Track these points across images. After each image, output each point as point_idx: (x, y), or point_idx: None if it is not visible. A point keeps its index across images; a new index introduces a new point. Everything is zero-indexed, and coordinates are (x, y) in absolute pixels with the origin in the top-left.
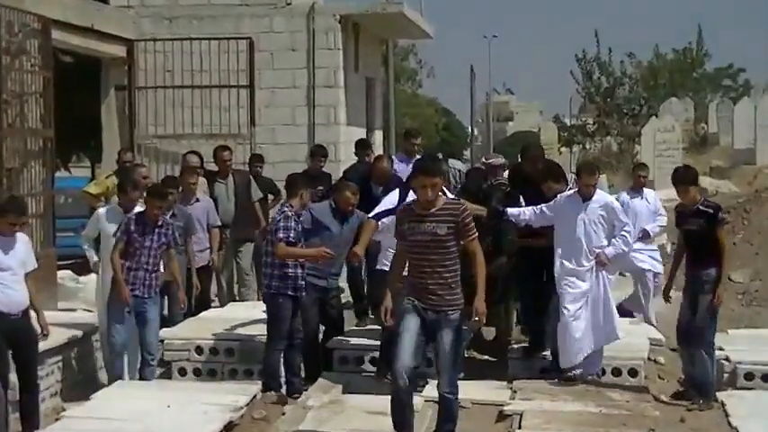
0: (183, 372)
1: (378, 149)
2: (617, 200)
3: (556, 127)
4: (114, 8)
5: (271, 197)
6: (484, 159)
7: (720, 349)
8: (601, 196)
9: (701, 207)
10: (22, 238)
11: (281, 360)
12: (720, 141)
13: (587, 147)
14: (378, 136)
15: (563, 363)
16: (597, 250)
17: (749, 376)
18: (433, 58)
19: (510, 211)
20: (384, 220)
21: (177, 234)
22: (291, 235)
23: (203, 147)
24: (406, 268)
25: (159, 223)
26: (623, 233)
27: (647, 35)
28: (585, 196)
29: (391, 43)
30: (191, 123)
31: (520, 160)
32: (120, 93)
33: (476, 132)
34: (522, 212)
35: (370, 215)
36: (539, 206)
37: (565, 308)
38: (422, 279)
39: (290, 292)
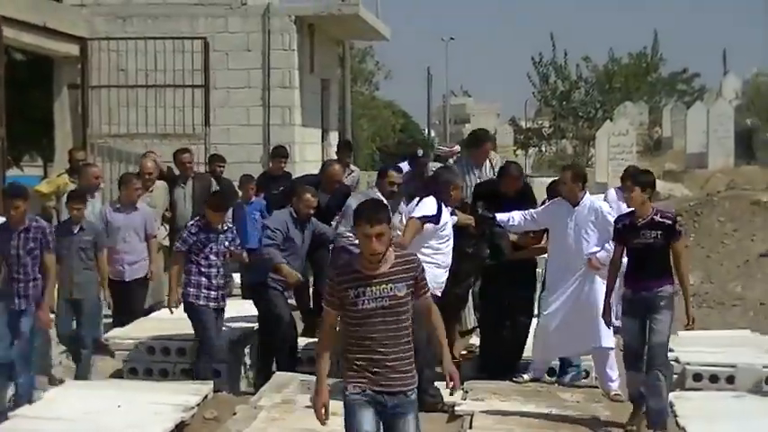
0: (134, 371)
1: (332, 151)
2: (604, 198)
3: (512, 130)
4: (68, 6)
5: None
6: (441, 147)
7: (671, 350)
8: (589, 201)
9: (656, 218)
10: None
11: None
12: (674, 145)
13: (543, 150)
14: (333, 137)
15: (534, 363)
16: (588, 256)
17: (697, 377)
18: (390, 60)
19: (499, 216)
20: (428, 226)
21: (51, 238)
22: (178, 244)
23: (157, 147)
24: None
25: (24, 227)
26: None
27: (603, 39)
28: (573, 201)
29: (348, 45)
30: (144, 123)
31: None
32: (73, 91)
33: (433, 134)
34: (512, 218)
35: (415, 215)
36: (528, 211)
37: (546, 310)
38: (374, 356)
39: (201, 302)
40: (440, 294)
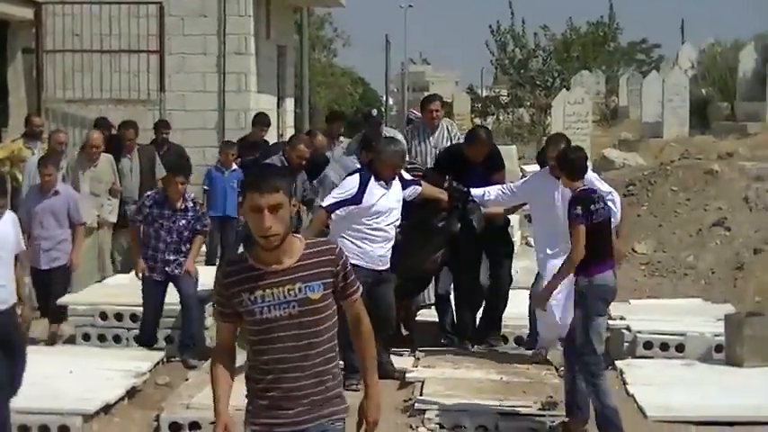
0: (87, 337)
1: (289, 118)
2: None
3: (469, 98)
4: None
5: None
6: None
7: (622, 319)
8: None
9: None
10: (9, 218)
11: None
12: (630, 114)
13: (500, 118)
14: (289, 104)
15: (541, 343)
16: None
17: (648, 345)
18: (349, 28)
19: (474, 191)
20: (339, 212)
21: None
22: (134, 215)
23: (112, 112)
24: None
25: None
26: (609, 199)
27: (562, 8)
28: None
29: (306, 11)
30: (99, 88)
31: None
32: (27, 56)
33: (391, 102)
34: (487, 192)
35: (322, 204)
36: (506, 186)
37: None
38: (284, 383)
39: (147, 273)
40: (383, 269)
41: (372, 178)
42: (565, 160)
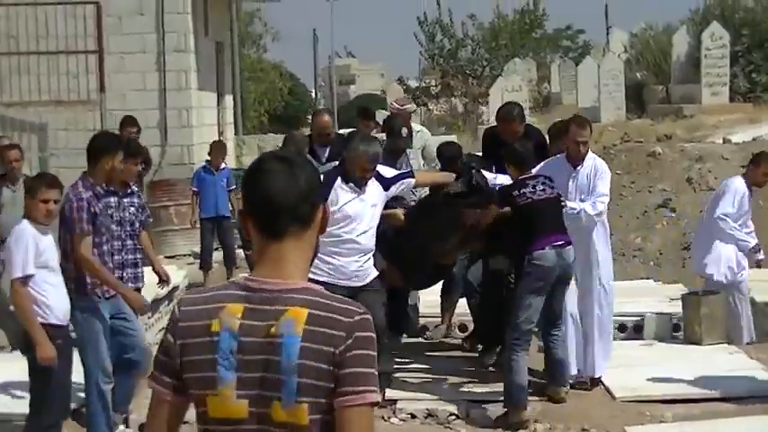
0: None
1: (228, 115)
2: None
3: (401, 89)
4: None
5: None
6: (395, 103)
7: None
8: (593, 159)
9: None
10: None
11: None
12: (563, 100)
13: (431, 108)
14: (228, 101)
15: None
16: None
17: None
18: (277, 22)
19: (485, 173)
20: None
21: None
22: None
23: (52, 114)
24: None
25: None
26: (599, 201)
27: None
28: (576, 159)
29: (235, 6)
30: (38, 90)
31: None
32: None
33: (320, 96)
34: (499, 176)
35: None
36: None
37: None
38: None
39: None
40: (363, 284)
41: (339, 179)
42: (516, 153)
